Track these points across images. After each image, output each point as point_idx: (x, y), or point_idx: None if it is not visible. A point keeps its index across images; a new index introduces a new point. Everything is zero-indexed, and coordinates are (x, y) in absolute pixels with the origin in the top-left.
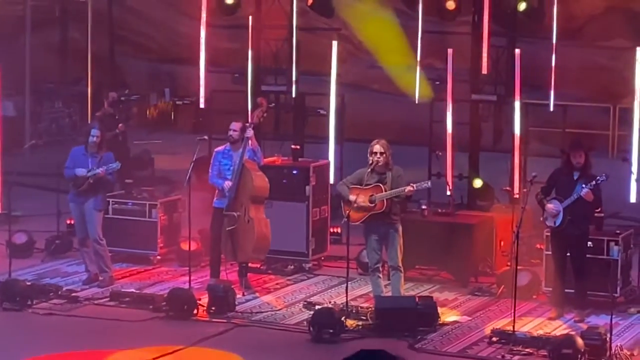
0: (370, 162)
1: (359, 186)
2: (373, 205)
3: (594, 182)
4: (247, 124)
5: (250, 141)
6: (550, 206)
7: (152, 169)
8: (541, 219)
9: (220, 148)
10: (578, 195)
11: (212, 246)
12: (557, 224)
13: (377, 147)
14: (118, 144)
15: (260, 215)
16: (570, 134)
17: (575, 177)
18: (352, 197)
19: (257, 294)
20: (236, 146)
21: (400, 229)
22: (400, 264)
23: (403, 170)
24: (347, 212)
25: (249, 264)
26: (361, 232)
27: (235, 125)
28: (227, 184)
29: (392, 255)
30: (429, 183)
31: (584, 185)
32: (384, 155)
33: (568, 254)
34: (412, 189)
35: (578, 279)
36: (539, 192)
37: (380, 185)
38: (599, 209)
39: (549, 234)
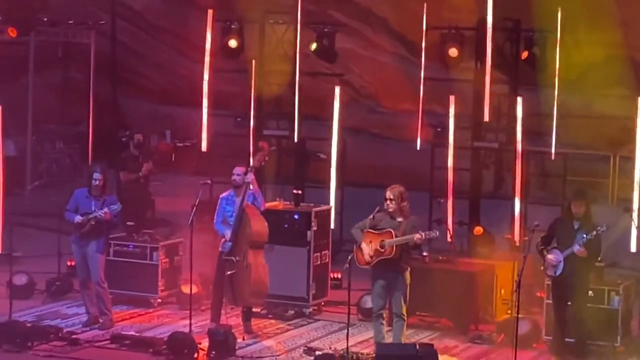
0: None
1: (372, 230)
2: (382, 250)
3: (594, 232)
4: (249, 168)
5: (251, 185)
6: (550, 257)
7: (153, 210)
8: (541, 268)
9: (225, 194)
10: (572, 250)
11: (215, 289)
12: (557, 274)
13: (387, 193)
14: (139, 186)
15: (258, 261)
16: (572, 181)
17: (576, 227)
18: (363, 245)
19: (258, 339)
20: (239, 190)
21: (409, 277)
22: (405, 313)
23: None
24: (353, 253)
25: (252, 309)
26: (362, 278)
27: (239, 170)
28: (228, 233)
29: (397, 302)
30: (437, 232)
31: (584, 235)
32: (394, 202)
33: (569, 303)
34: (420, 237)
35: (578, 328)
36: (539, 241)
37: (392, 230)
38: (599, 259)
39: (549, 282)
